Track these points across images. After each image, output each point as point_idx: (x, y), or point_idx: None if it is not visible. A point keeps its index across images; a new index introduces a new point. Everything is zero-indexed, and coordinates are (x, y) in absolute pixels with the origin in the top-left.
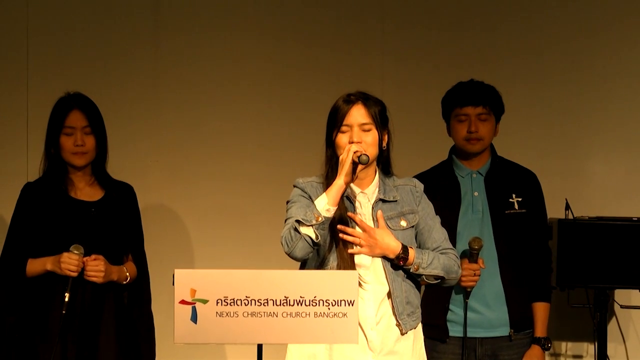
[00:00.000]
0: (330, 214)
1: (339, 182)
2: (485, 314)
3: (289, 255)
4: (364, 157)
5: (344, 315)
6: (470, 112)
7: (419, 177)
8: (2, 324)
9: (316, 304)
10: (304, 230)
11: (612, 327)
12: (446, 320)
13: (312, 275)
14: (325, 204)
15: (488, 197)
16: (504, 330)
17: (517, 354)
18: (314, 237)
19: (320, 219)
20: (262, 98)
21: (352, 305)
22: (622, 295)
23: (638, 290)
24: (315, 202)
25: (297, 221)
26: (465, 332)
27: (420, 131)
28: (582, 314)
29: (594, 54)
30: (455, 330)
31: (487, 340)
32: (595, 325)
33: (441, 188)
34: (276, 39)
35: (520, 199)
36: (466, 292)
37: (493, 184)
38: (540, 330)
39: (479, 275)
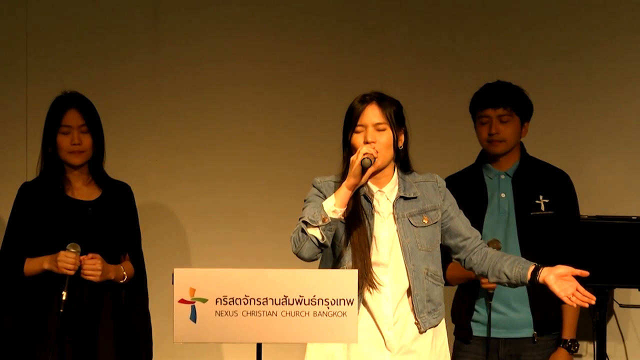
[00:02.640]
0: (337, 215)
1: (347, 184)
2: (509, 315)
3: (296, 255)
4: (366, 161)
5: (344, 314)
6: (491, 113)
7: (448, 179)
8: (1, 324)
9: (315, 303)
10: (310, 231)
11: (611, 326)
12: (470, 321)
13: (312, 274)
14: (332, 206)
15: (515, 199)
16: (528, 332)
17: (540, 355)
18: (320, 238)
19: (327, 220)
20: (261, 96)
21: (352, 304)
22: (621, 294)
23: (637, 290)
24: (323, 203)
25: (304, 222)
26: (489, 332)
27: (420, 129)
28: (582, 313)
29: (595, 53)
30: (479, 330)
31: (510, 341)
32: (594, 324)
33: (468, 190)
34: (275, 37)
35: (547, 200)
36: (488, 294)
37: (520, 185)
38: (567, 332)
39: None
